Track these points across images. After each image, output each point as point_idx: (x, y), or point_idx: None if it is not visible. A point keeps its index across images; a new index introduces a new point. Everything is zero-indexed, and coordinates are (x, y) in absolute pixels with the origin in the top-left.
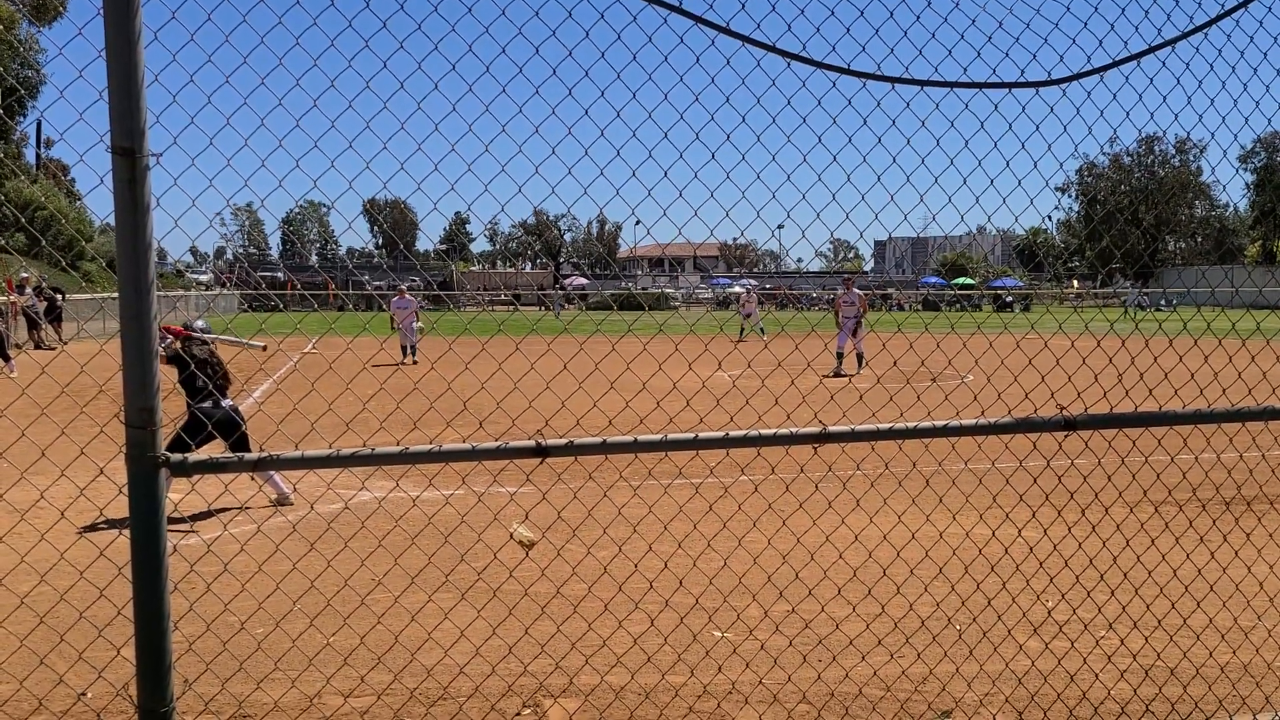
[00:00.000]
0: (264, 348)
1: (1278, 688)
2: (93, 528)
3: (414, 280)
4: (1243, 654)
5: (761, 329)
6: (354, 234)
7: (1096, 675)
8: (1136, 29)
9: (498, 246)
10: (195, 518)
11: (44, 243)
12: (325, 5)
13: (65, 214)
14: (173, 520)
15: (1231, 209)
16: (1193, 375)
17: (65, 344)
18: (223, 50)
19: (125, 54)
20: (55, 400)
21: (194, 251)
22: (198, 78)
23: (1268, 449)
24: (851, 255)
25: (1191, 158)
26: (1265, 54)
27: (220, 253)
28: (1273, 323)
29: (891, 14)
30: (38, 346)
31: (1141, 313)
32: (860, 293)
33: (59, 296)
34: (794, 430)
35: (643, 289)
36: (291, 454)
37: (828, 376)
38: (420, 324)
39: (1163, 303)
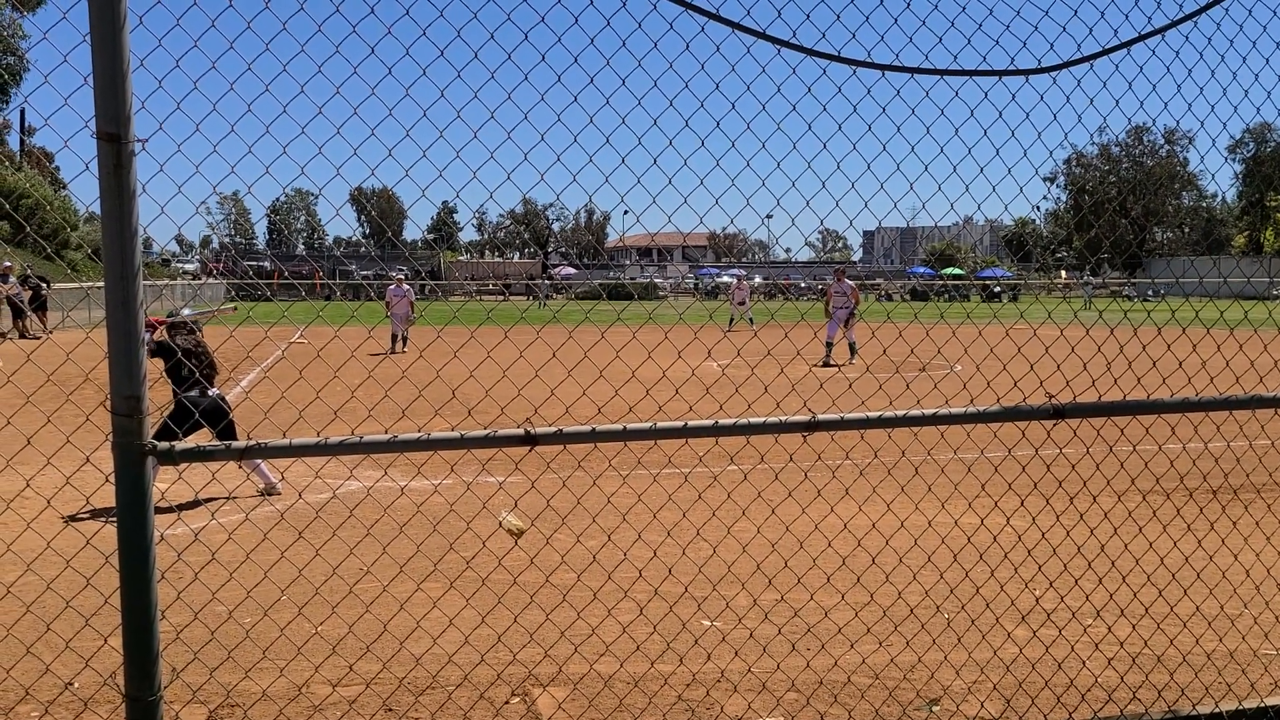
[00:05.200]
0: (235, 308)
1: (1263, 674)
2: (78, 517)
3: (402, 269)
4: (1229, 641)
5: (750, 318)
6: (341, 222)
7: (1084, 663)
8: (1126, 17)
9: (486, 236)
10: (182, 507)
11: (29, 231)
12: None
13: (50, 202)
14: (160, 509)
15: (1220, 199)
16: (1180, 364)
17: (50, 333)
18: (209, 35)
19: (110, 39)
20: (41, 389)
21: (180, 240)
22: (184, 63)
23: (1254, 438)
24: (840, 245)
25: (1180, 148)
26: (1255, 43)
27: (206, 241)
28: (1259, 312)
29: (881, 1)
30: (22, 336)
31: (1103, 302)
32: (852, 284)
33: (44, 285)
34: (783, 419)
35: (631, 279)
36: (279, 442)
37: (817, 366)
38: (414, 315)
39: (1150, 292)
